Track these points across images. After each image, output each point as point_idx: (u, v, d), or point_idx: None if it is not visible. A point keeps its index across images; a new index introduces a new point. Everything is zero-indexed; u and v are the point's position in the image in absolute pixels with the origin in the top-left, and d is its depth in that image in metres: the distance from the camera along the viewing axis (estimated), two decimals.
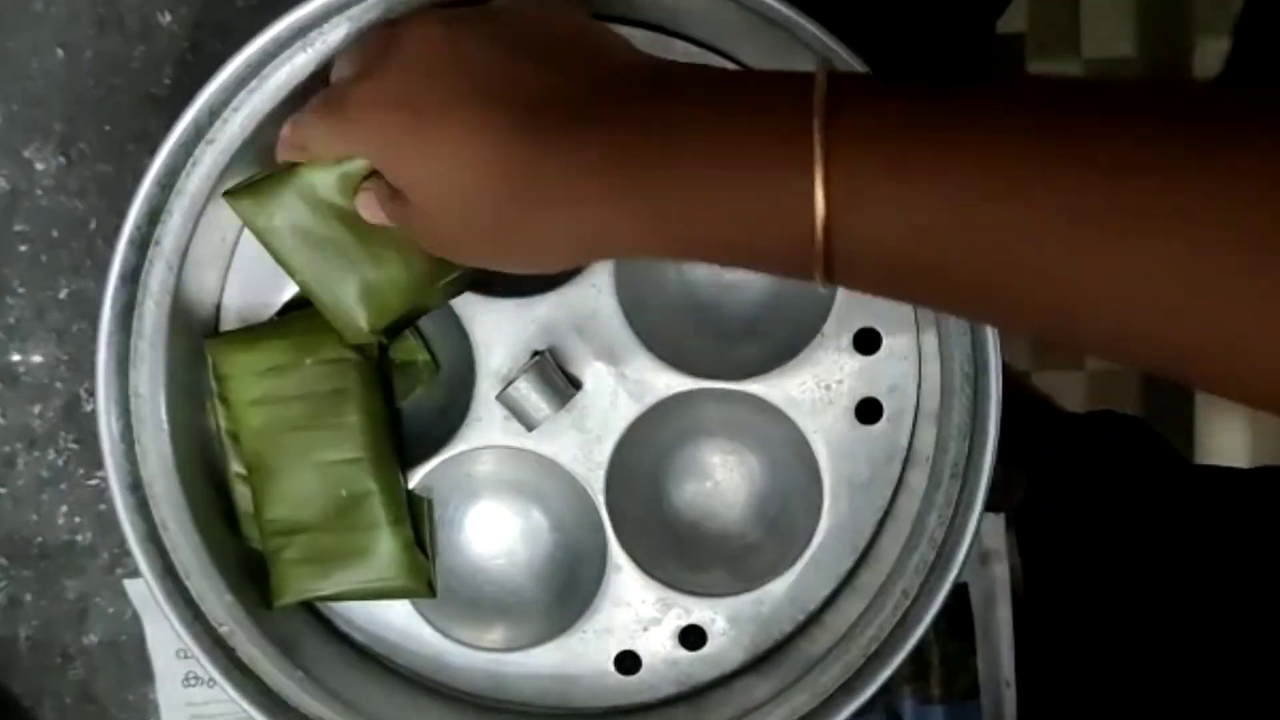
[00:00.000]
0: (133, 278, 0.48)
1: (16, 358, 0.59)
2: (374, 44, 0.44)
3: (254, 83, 0.47)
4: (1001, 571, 0.59)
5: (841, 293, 0.50)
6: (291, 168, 0.47)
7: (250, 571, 0.51)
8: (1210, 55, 1.37)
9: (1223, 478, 0.81)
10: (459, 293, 0.50)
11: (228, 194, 0.48)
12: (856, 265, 0.35)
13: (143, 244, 0.48)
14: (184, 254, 0.48)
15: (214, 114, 0.47)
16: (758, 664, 0.52)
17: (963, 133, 0.34)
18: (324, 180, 0.46)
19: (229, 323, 0.52)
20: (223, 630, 0.49)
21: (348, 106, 0.43)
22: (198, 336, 0.51)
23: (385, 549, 0.50)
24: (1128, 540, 0.72)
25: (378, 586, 0.51)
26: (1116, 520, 0.73)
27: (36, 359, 0.59)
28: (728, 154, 0.36)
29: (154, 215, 0.48)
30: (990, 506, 0.48)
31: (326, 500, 0.50)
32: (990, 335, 0.47)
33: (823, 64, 0.36)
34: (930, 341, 0.50)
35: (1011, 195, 0.33)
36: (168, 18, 0.58)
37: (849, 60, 0.46)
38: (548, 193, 0.39)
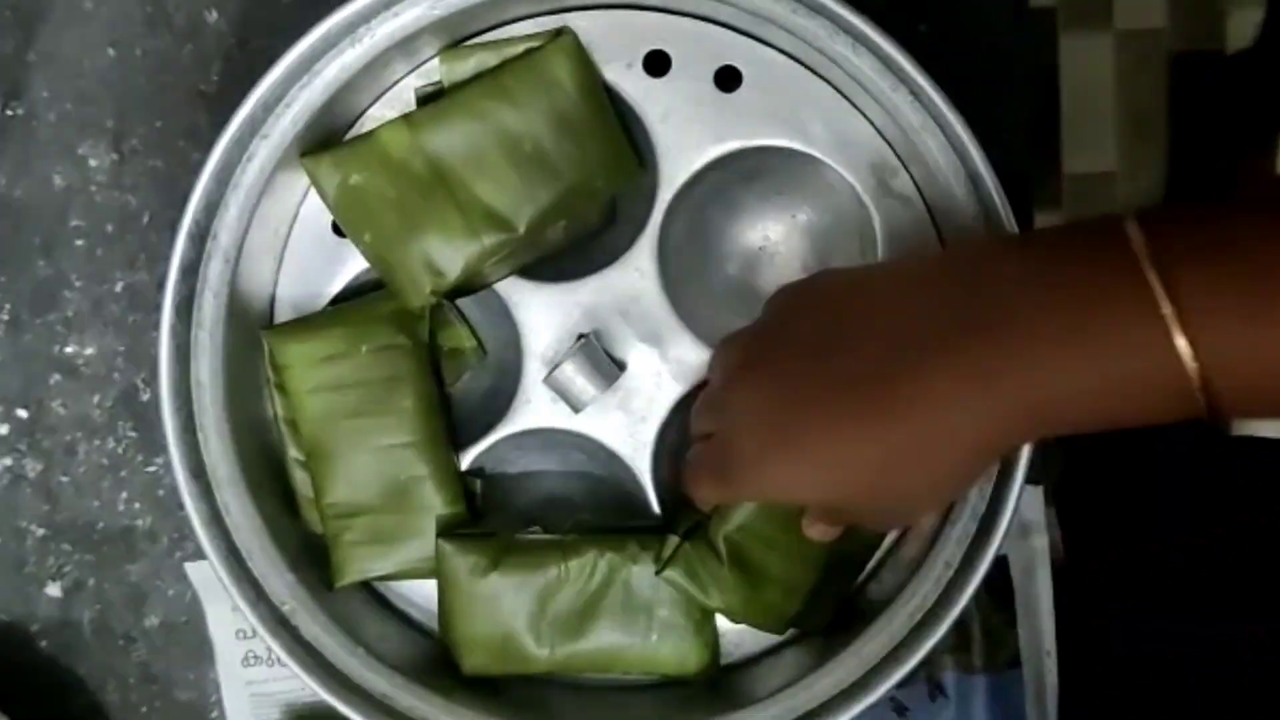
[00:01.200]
0: (192, 271, 0.49)
1: (74, 349, 0.61)
2: (704, 406, 0.48)
3: (305, 78, 0.48)
4: (1041, 543, 0.60)
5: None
6: (368, 133, 0.50)
7: (310, 553, 0.52)
8: (1243, 25, 1.36)
9: (1260, 448, 0.81)
10: (510, 272, 0.52)
11: (304, 155, 0.50)
12: (1241, 392, 0.36)
13: (200, 237, 0.49)
14: (240, 247, 0.49)
15: (267, 109, 0.48)
16: (804, 636, 0.53)
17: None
18: (398, 141, 0.49)
19: (283, 313, 0.53)
20: (285, 609, 0.50)
21: (730, 477, 0.45)
22: (254, 327, 0.52)
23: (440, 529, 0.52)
24: (1166, 511, 0.73)
25: (434, 565, 0.52)
26: (1155, 491, 0.74)
27: (92, 350, 0.61)
28: (1057, 310, 0.37)
29: (211, 209, 0.49)
30: (1030, 479, 0.49)
31: (383, 483, 0.51)
32: None
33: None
34: None
35: None
36: (214, 15, 0.59)
37: (890, 50, 0.47)
38: (919, 450, 0.41)
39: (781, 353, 0.44)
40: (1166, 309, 0.35)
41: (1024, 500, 0.50)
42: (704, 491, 0.48)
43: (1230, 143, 1.36)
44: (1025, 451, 0.48)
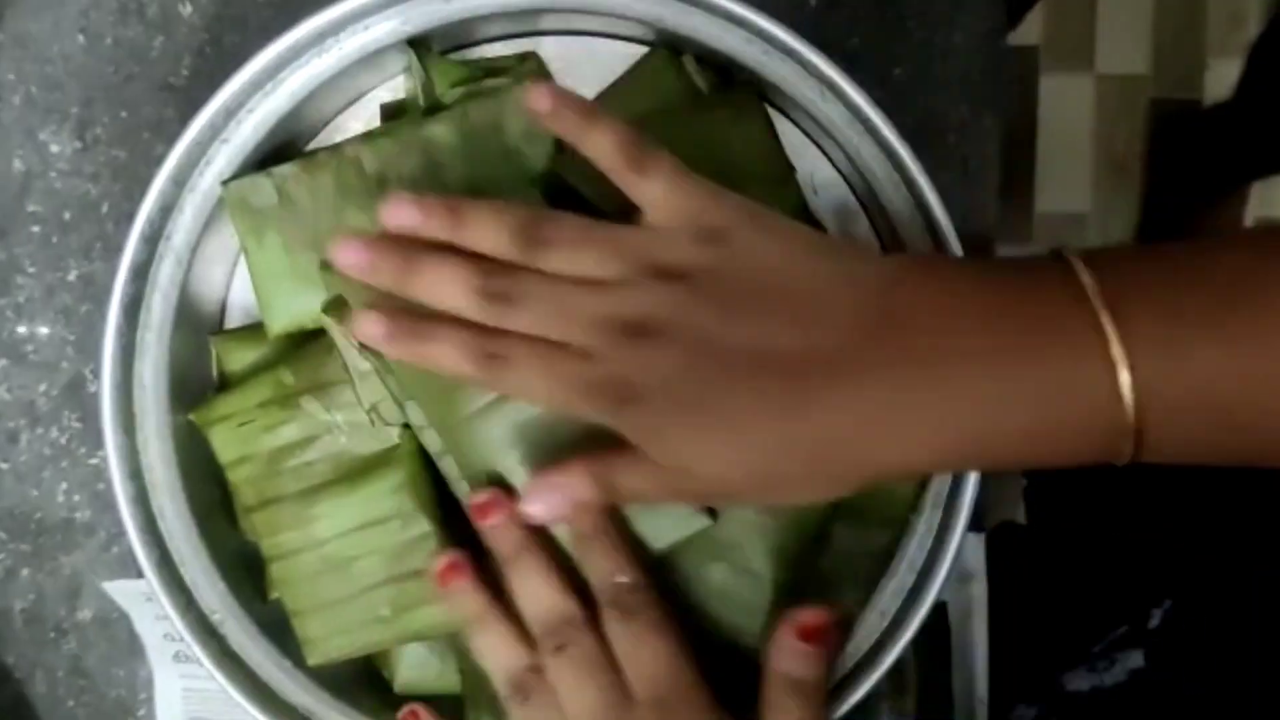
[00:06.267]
0: (142, 271, 0.49)
1: (23, 335, 0.60)
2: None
3: (269, 85, 0.48)
4: (979, 590, 0.60)
5: None
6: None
7: (244, 562, 0.52)
8: (1222, 77, 1.38)
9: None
10: None
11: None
12: (1170, 425, 0.36)
13: (154, 238, 0.49)
14: (194, 250, 0.49)
15: (229, 114, 0.48)
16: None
17: (1219, 281, 0.36)
18: None
19: (234, 319, 0.53)
20: (215, 618, 0.50)
21: (621, 412, 0.41)
22: (203, 332, 0.52)
23: None
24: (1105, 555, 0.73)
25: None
26: (1092, 528, 0.74)
27: (42, 338, 0.60)
28: (1010, 345, 0.37)
29: (166, 210, 0.48)
30: (971, 527, 0.49)
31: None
32: None
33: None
34: None
35: None
36: (189, 9, 0.59)
37: (858, 99, 0.47)
38: (835, 446, 0.39)
39: (726, 303, 0.40)
40: (1116, 350, 0.35)
41: (964, 548, 0.50)
42: (581, 407, 0.41)
43: (1203, 193, 1.38)
44: (967, 502, 0.48)
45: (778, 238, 0.41)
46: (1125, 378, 0.35)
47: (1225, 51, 1.38)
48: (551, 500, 0.43)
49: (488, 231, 0.41)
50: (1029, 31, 1.37)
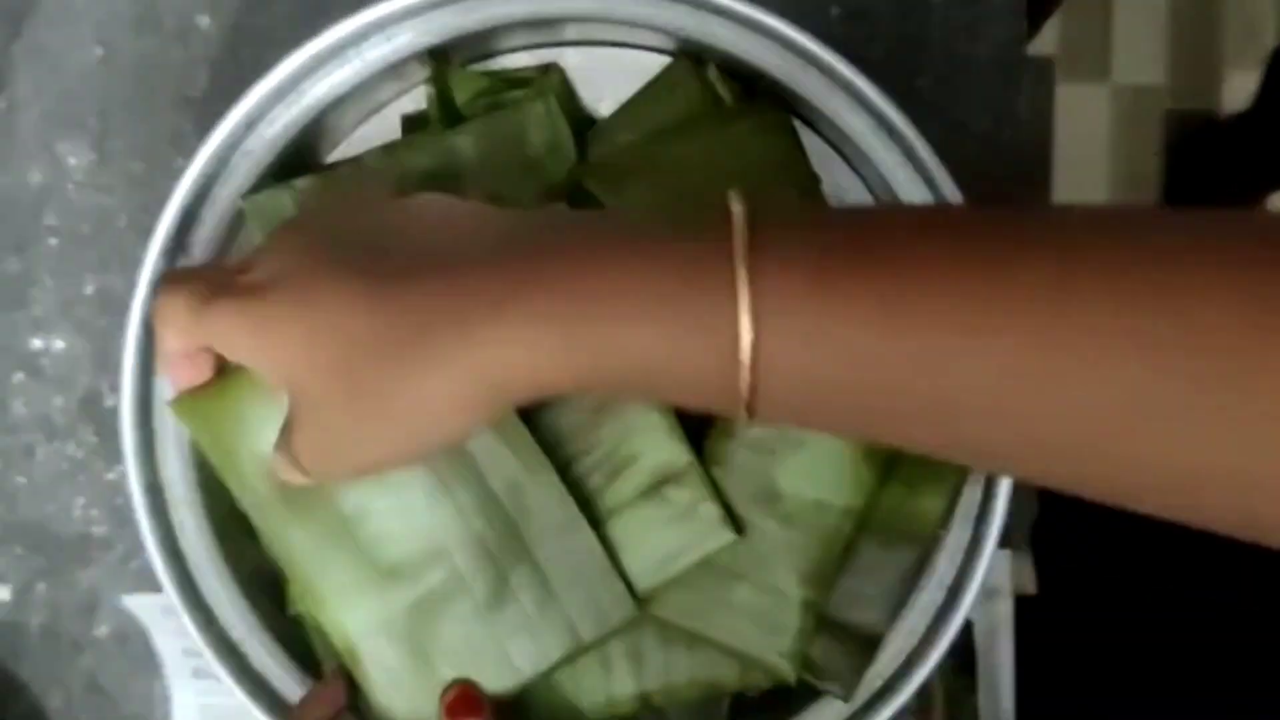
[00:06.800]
0: None
1: (39, 349, 0.60)
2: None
3: (291, 96, 0.48)
4: (1005, 607, 0.60)
5: None
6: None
7: (264, 577, 0.51)
8: (1238, 88, 1.37)
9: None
10: None
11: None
12: (781, 391, 0.34)
13: (174, 251, 0.48)
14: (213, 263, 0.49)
15: (250, 125, 0.48)
16: (766, 696, 0.53)
17: (878, 252, 0.33)
18: None
19: None
20: (235, 635, 0.49)
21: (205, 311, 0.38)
22: None
23: None
24: (1139, 573, 0.72)
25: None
26: (1128, 539, 0.73)
27: (60, 350, 0.60)
28: (645, 278, 0.34)
29: (186, 223, 0.48)
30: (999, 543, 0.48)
31: None
32: None
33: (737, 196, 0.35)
34: None
35: (931, 317, 0.31)
36: (206, 21, 0.59)
37: (886, 109, 0.47)
38: (434, 339, 0.35)
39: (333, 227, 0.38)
40: (744, 318, 0.33)
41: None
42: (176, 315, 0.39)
43: (1219, 204, 1.37)
44: (998, 518, 0.48)
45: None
46: (747, 339, 0.33)
47: (1241, 62, 1.38)
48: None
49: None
50: (1045, 42, 1.37)
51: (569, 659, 0.46)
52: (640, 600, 0.46)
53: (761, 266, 0.33)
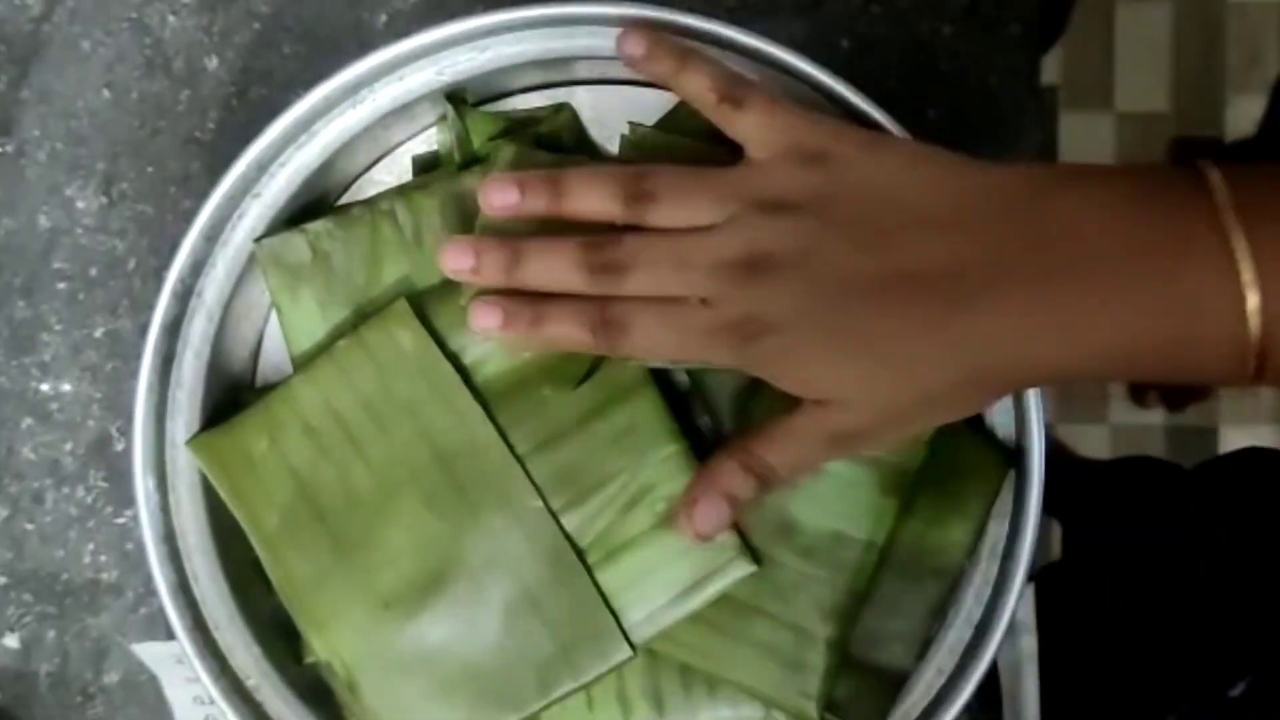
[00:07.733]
0: (174, 328, 0.48)
1: (48, 394, 0.59)
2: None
3: (303, 138, 0.47)
4: (1029, 643, 0.59)
5: None
6: None
7: (280, 624, 0.50)
8: (1242, 114, 1.37)
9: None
10: None
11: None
12: None
13: (185, 295, 0.48)
14: (226, 306, 0.48)
15: (261, 168, 0.47)
16: None
17: None
18: None
19: (266, 375, 0.52)
20: (250, 684, 0.48)
21: (748, 348, 0.40)
22: (234, 389, 0.51)
23: None
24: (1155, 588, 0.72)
25: None
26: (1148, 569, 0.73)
27: (68, 395, 0.59)
28: (1143, 259, 0.36)
29: (197, 267, 0.48)
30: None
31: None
32: (1034, 415, 0.46)
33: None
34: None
35: None
36: (214, 62, 0.58)
37: (885, 122, 0.46)
38: (980, 359, 0.39)
39: (845, 225, 0.40)
40: (1247, 273, 0.34)
41: None
42: (711, 352, 0.41)
43: None
44: (1025, 552, 0.47)
45: (885, 152, 0.41)
46: (1254, 301, 0.34)
47: (1245, 88, 1.38)
48: (714, 511, 0.43)
49: (590, 197, 0.41)
50: (1047, 71, 1.37)
51: (568, 695, 0.46)
52: (658, 637, 0.46)
53: (1251, 224, 0.34)
